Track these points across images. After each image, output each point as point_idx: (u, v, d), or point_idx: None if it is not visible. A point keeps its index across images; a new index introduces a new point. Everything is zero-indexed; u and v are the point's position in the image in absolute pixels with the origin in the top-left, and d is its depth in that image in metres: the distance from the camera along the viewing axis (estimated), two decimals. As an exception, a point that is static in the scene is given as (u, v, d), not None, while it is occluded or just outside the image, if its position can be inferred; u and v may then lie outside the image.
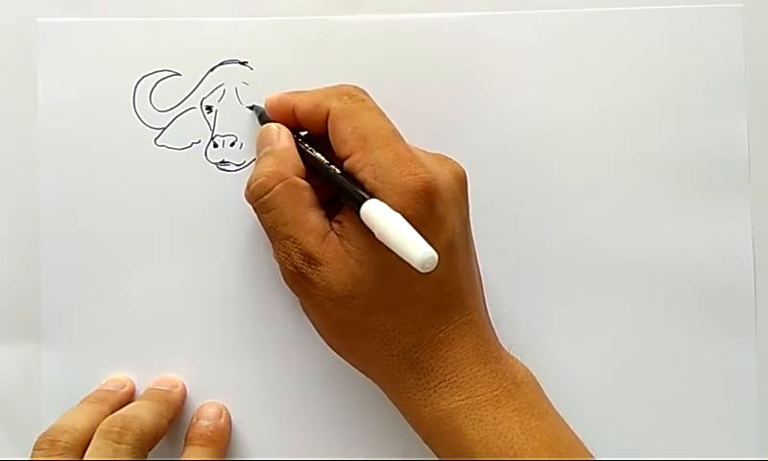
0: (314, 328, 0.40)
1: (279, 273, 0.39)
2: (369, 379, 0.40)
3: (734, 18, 0.44)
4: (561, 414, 0.39)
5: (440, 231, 0.37)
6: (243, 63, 0.44)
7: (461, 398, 0.37)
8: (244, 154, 0.44)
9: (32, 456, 0.39)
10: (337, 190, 0.38)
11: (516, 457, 0.36)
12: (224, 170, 0.44)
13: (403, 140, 0.38)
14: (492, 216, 0.43)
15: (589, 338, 0.44)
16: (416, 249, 0.33)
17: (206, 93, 0.44)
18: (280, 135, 0.40)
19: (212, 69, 0.44)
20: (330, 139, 0.39)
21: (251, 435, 0.44)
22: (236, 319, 0.44)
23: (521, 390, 0.38)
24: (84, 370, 0.44)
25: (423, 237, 0.34)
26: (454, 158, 0.40)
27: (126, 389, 0.43)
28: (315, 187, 0.39)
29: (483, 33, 0.44)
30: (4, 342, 0.44)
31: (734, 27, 0.44)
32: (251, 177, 0.39)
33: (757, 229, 0.44)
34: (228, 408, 0.44)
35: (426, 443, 0.39)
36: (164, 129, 0.44)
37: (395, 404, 0.40)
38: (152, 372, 0.44)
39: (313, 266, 0.37)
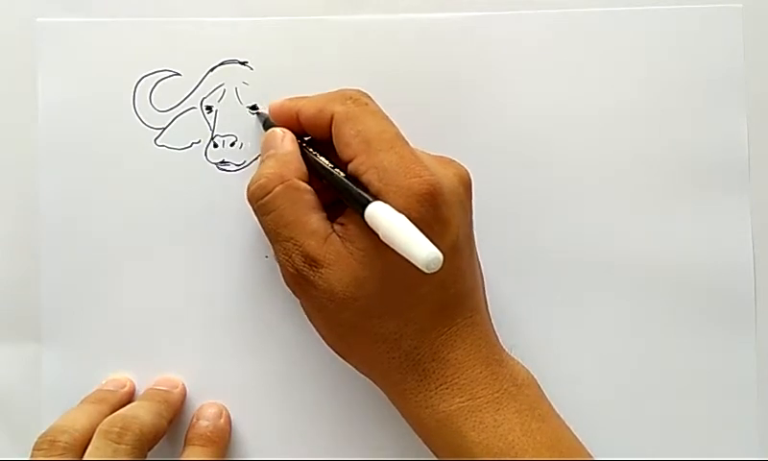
0: (315, 330, 0.40)
1: (280, 274, 0.39)
2: (368, 380, 0.40)
3: (734, 18, 0.44)
4: (561, 415, 0.39)
5: (444, 234, 0.37)
6: (243, 63, 0.44)
7: (462, 400, 0.37)
8: (244, 154, 0.44)
9: (31, 456, 0.39)
10: (341, 193, 0.38)
11: (517, 458, 0.36)
12: (224, 170, 0.44)
13: (407, 143, 0.38)
14: (491, 216, 0.43)
15: (589, 338, 0.44)
16: (420, 249, 0.33)
17: (206, 93, 0.44)
18: (284, 140, 0.40)
19: (212, 69, 0.44)
20: (334, 143, 0.39)
21: (251, 435, 0.44)
22: (236, 319, 0.44)
23: (522, 392, 0.38)
24: (84, 370, 0.44)
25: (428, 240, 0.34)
26: (458, 161, 0.40)
27: (126, 389, 0.43)
28: (317, 191, 0.39)
29: (483, 33, 0.44)
30: (4, 342, 0.44)
31: (734, 27, 0.44)
32: (251, 179, 0.39)
33: (757, 229, 0.44)
34: (228, 408, 0.44)
35: (427, 444, 0.39)
36: (164, 129, 0.44)
37: (395, 406, 0.40)
38: (152, 372, 0.44)
39: (314, 268, 0.37)
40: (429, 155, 0.39)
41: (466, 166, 0.40)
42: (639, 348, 0.44)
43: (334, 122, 0.39)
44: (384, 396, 0.40)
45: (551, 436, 0.37)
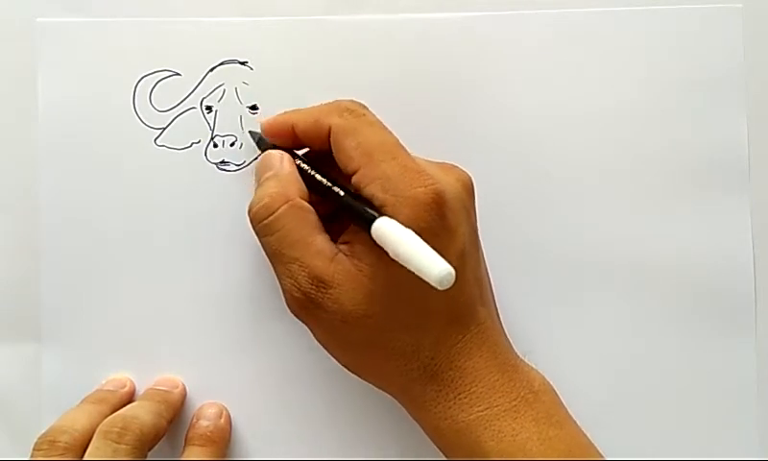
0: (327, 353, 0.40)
1: (284, 301, 0.39)
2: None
3: (734, 18, 0.44)
4: None
5: (451, 242, 0.37)
6: (243, 63, 0.44)
7: (480, 409, 0.37)
8: (244, 154, 0.44)
9: (31, 456, 0.39)
10: (345, 210, 0.38)
11: None
12: (224, 170, 0.44)
13: (408, 152, 0.38)
14: (491, 216, 0.43)
15: (588, 339, 0.44)
16: (432, 267, 0.33)
17: (206, 93, 0.44)
18: (283, 161, 0.40)
19: (212, 69, 0.44)
20: (335, 156, 0.39)
21: (251, 435, 0.44)
22: (236, 319, 0.44)
23: (539, 398, 0.38)
24: (84, 370, 0.44)
25: (435, 249, 0.34)
26: (460, 166, 0.40)
27: (126, 389, 0.43)
28: (315, 203, 0.39)
29: (483, 33, 0.44)
30: (4, 342, 0.44)
31: (734, 27, 0.44)
32: (253, 200, 0.39)
33: (757, 229, 0.44)
34: (228, 408, 0.44)
35: (444, 455, 0.39)
36: (164, 129, 0.44)
37: (414, 418, 0.39)
38: (152, 372, 0.44)
39: (323, 290, 0.37)
40: (430, 162, 0.39)
41: (465, 168, 0.40)
42: (639, 348, 0.44)
43: (333, 135, 0.38)
44: (384, 396, 0.40)
45: (568, 443, 0.37)
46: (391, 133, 0.39)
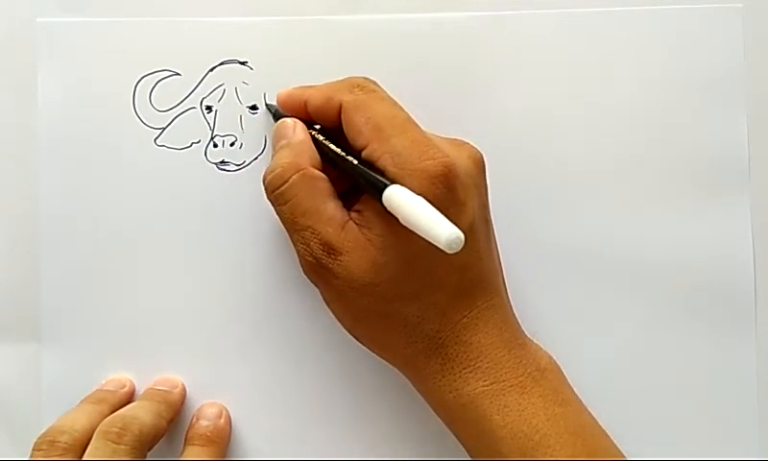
0: (336, 319, 0.40)
1: (298, 264, 0.39)
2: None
3: (734, 18, 0.44)
4: None
5: (460, 215, 0.37)
6: (243, 63, 0.44)
7: (486, 383, 0.37)
8: (244, 154, 0.44)
9: (31, 457, 0.39)
10: (357, 180, 0.38)
11: (541, 442, 0.36)
12: (223, 170, 0.44)
13: (418, 126, 0.38)
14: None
15: (587, 339, 0.44)
16: (442, 230, 0.33)
17: (206, 93, 0.44)
18: (296, 129, 0.40)
19: (212, 69, 0.44)
20: (345, 132, 0.39)
21: (251, 435, 0.44)
22: (236, 319, 0.44)
23: (546, 376, 0.38)
24: (84, 370, 0.44)
25: None
26: (471, 143, 0.40)
27: (126, 389, 0.43)
28: (331, 179, 0.39)
29: (483, 32, 0.44)
30: (4, 342, 0.44)
31: (734, 27, 0.44)
32: (267, 169, 0.39)
33: (757, 229, 0.44)
34: (228, 408, 0.44)
35: (450, 428, 0.39)
36: (164, 129, 0.44)
37: (418, 391, 0.40)
38: (152, 372, 0.44)
39: (333, 256, 0.37)
40: (441, 137, 0.39)
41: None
42: (639, 348, 0.44)
43: (343, 110, 0.39)
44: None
45: (575, 421, 0.37)
46: (401, 108, 0.39)
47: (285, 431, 0.44)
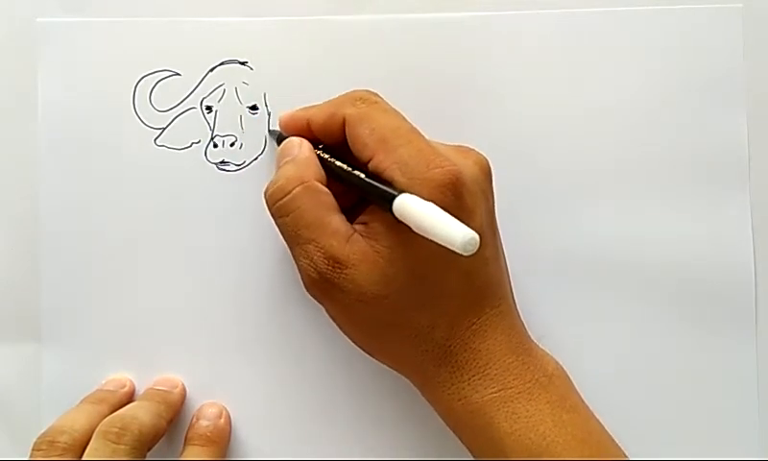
0: (342, 333, 0.40)
1: (300, 280, 0.39)
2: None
3: (734, 18, 0.44)
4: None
5: (469, 223, 0.36)
6: (243, 63, 0.44)
7: (494, 390, 0.37)
8: (244, 154, 0.44)
9: (30, 457, 0.39)
10: (365, 193, 0.38)
11: (548, 450, 0.36)
12: (223, 170, 0.44)
13: (422, 136, 0.38)
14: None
15: (586, 339, 0.44)
16: (456, 232, 0.33)
17: (206, 93, 0.44)
18: (302, 146, 0.40)
19: (212, 69, 0.44)
20: (350, 145, 0.39)
21: (251, 435, 0.44)
22: (236, 319, 0.44)
23: (553, 383, 0.38)
24: (84, 370, 0.44)
25: None
26: (477, 149, 0.40)
27: (125, 389, 0.43)
28: (335, 194, 0.39)
29: (484, 33, 0.44)
30: (4, 342, 0.44)
31: (734, 27, 0.44)
32: (269, 183, 0.39)
33: (757, 228, 0.44)
34: (228, 408, 0.44)
35: (458, 436, 0.39)
36: (164, 129, 0.44)
37: (427, 399, 0.39)
38: (152, 372, 0.44)
39: (338, 269, 0.37)
40: (447, 145, 0.39)
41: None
42: (638, 348, 0.44)
43: (347, 124, 0.39)
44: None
45: (582, 428, 0.37)
46: (405, 119, 0.39)
47: (285, 431, 0.44)
